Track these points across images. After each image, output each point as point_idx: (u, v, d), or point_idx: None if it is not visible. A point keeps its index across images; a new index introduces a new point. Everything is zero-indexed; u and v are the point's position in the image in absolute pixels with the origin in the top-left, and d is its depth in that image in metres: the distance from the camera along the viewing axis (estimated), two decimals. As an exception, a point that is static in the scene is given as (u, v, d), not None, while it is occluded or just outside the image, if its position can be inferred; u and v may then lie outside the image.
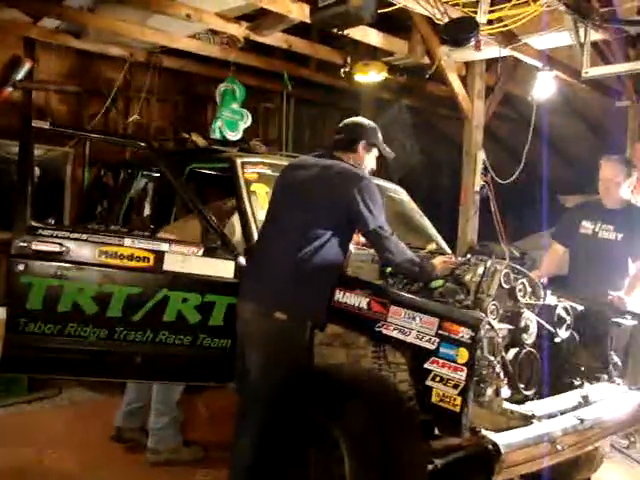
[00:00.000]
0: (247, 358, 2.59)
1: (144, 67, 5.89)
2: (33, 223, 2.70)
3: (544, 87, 4.62)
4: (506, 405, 2.34)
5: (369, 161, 2.77)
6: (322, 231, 2.53)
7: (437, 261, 2.70)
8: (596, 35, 4.15)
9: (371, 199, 2.54)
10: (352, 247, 2.90)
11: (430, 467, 2.23)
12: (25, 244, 2.66)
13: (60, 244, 2.70)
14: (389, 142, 2.87)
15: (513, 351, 2.47)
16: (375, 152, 2.78)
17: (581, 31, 4.08)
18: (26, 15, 4.94)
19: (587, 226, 3.73)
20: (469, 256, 2.81)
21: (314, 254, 2.51)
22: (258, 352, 2.56)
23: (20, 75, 4.76)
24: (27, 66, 4.78)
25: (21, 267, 2.64)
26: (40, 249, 2.67)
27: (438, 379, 2.26)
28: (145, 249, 2.80)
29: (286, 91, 6.36)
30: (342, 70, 4.80)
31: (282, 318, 2.49)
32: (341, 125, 2.80)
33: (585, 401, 2.58)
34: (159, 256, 2.81)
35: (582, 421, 2.43)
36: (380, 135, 2.80)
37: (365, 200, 2.52)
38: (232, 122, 5.43)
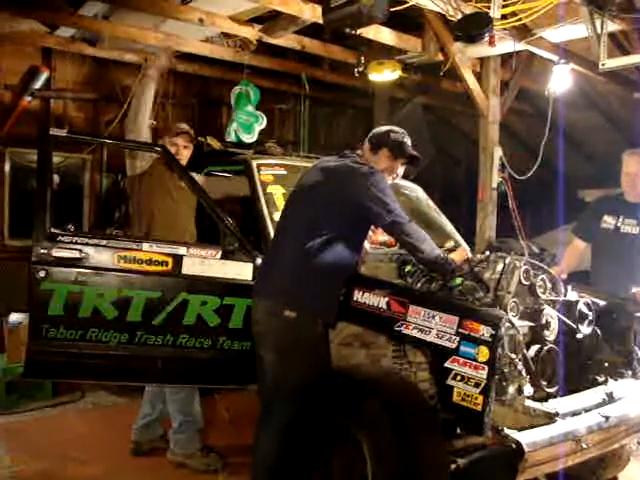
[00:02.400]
0: (263, 359, 2.60)
1: (159, 72, 5.92)
2: (53, 230, 2.73)
3: (560, 81, 4.56)
4: (529, 403, 2.31)
5: (382, 165, 2.70)
6: (330, 228, 2.52)
7: (453, 256, 2.68)
8: (613, 26, 4.08)
9: (382, 192, 2.52)
10: (368, 245, 2.88)
11: (452, 467, 2.21)
12: (45, 251, 2.69)
13: (80, 250, 2.73)
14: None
15: (534, 348, 2.44)
16: (386, 154, 2.70)
17: (597, 22, 4.02)
18: (43, 25, 5.00)
19: (609, 220, 3.68)
20: (488, 253, 2.79)
21: (321, 250, 2.50)
22: (272, 352, 2.56)
23: (38, 84, 4.83)
24: (45, 75, 4.84)
25: (42, 274, 2.67)
26: (60, 255, 2.70)
27: (459, 378, 2.25)
28: (163, 253, 2.82)
29: (303, 92, 6.35)
30: (356, 70, 4.78)
31: (292, 316, 2.48)
32: (372, 132, 2.78)
33: (610, 398, 2.54)
34: (177, 260, 2.83)
35: (607, 418, 2.40)
36: (408, 141, 2.74)
37: (376, 195, 2.51)
38: (247, 124, 5.43)
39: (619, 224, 3.64)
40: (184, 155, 3.42)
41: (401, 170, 2.77)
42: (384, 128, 2.78)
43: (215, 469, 3.29)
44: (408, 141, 2.74)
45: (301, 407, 2.51)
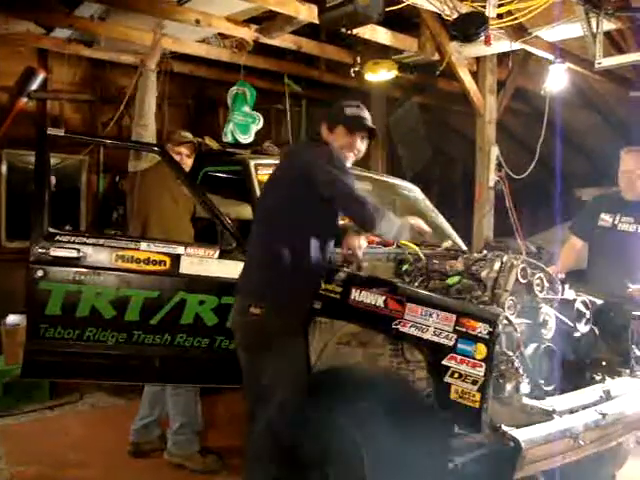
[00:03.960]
0: (239, 357, 2.59)
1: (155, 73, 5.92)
2: (51, 230, 2.73)
3: (557, 80, 4.58)
4: (526, 401, 2.31)
5: (340, 142, 2.55)
6: (289, 216, 2.46)
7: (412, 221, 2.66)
8: (609, 25, 4.10)
9: (330, 163, 2.40)
10: (365, 244, 2.85)
11: (450, 465, 2.21)
12: (43, 250, 2.69)
13: (77, 249, 2.73)
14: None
15: (532, 346, 2.44)
16: (343, 131, 2.55)
17: (593, 21, 4.04)
18: (39, 26, 5.00)
19: (606, 218, 3.68)
20: (485, 252, 2.80)
21: (283, 243, 2.44)
22: (242, 350, 2.56)
23: (34, 85, 4.81)
24: (41, 76, 4.82)
25: (40, 273, 2.67)
26: (58, 255, 2.70)
27: (457, 375, 2.24)
28: (161, 252, 2.83)
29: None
30: (352, 70, 4.79)
31: (256, 313, 2.45)
32: (327, 112, 2.68)
33: (607, 396, 2.54)
34: (175, 259, 2.83)
35: (604, 416, 2.40)
36: (364, 114, 2.60)
37: (324, 166, 2.39)
38: (244, 125, 5.43)
39: (616, 222, 3.64)
40: (187, 164, 3.47)
41: (362, 146, 2.63)
42: (339, 104, 2.65)
43: (213, 470, 3.28)
44: (364, 114, 2.62)
45: (278, 406, 2.46)
